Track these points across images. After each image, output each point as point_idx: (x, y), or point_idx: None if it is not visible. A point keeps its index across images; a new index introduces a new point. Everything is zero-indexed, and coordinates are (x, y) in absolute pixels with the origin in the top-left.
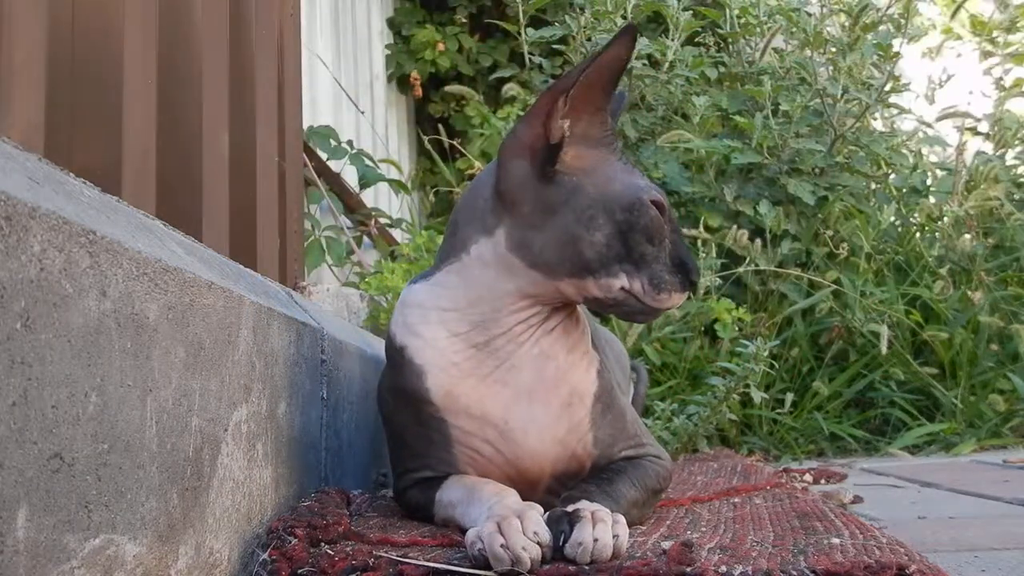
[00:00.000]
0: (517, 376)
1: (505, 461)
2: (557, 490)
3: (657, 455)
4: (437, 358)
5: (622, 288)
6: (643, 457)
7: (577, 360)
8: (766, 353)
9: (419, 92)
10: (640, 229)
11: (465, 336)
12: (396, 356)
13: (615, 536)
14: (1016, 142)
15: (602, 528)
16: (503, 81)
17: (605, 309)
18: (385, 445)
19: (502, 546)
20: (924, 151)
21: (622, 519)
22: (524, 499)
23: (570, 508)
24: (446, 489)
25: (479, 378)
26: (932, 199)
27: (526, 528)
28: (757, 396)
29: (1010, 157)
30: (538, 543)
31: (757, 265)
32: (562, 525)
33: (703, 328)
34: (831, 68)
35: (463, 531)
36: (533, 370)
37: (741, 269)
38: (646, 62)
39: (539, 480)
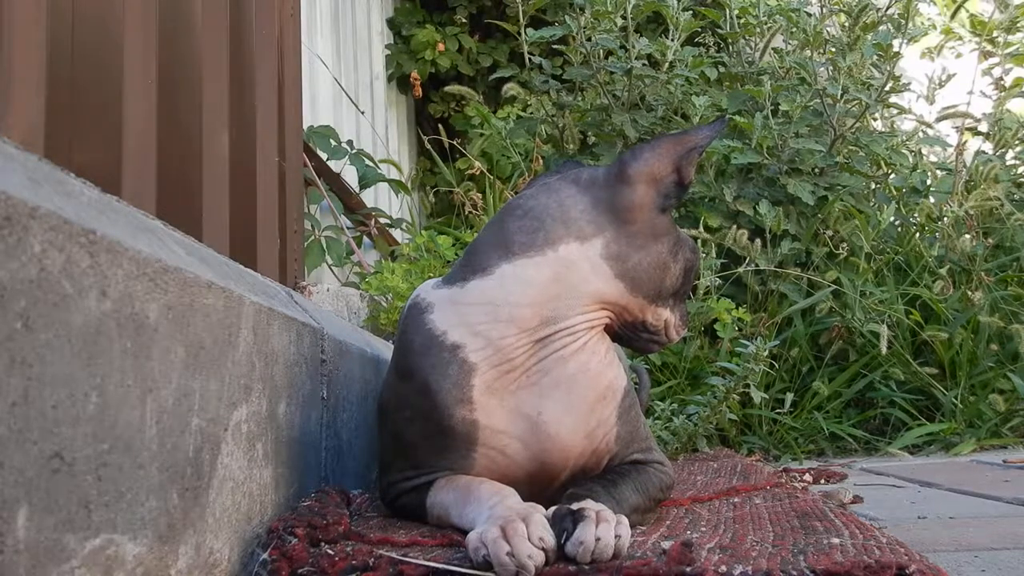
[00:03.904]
0: (562, 368)
1: (530, 456)
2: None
3: (661, 462)
4: (494, 357)
5: (665, 320)
6: (650, 463)
7: (612, 358)
8: (766, 353)
9: (419, 92)
10: (694, 270)
11: (532, 331)
12: (440, 355)
13: (617, 536)
14: (1016, 142)
15: (605, 528)
16: (503, 81)
17: (632, 334)
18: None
19: (508, 554)
20: (924, 151)
21: (625, 520)
22: (536, 498)
23: (575, 506)
24: (437, 492)
25: (524, 370)
26: (932, 199)
27: (531, 533)
28: (757, 396)
29: (1010, 157)
30: (543, 548)
31: (757, 265)
32: (565, 523)
33: (703, 328)
34: (831, 68)
35: (462, 532)
36: (577, 363)
37: (741, 269)
38: (646, 62)
39: (558, 476)
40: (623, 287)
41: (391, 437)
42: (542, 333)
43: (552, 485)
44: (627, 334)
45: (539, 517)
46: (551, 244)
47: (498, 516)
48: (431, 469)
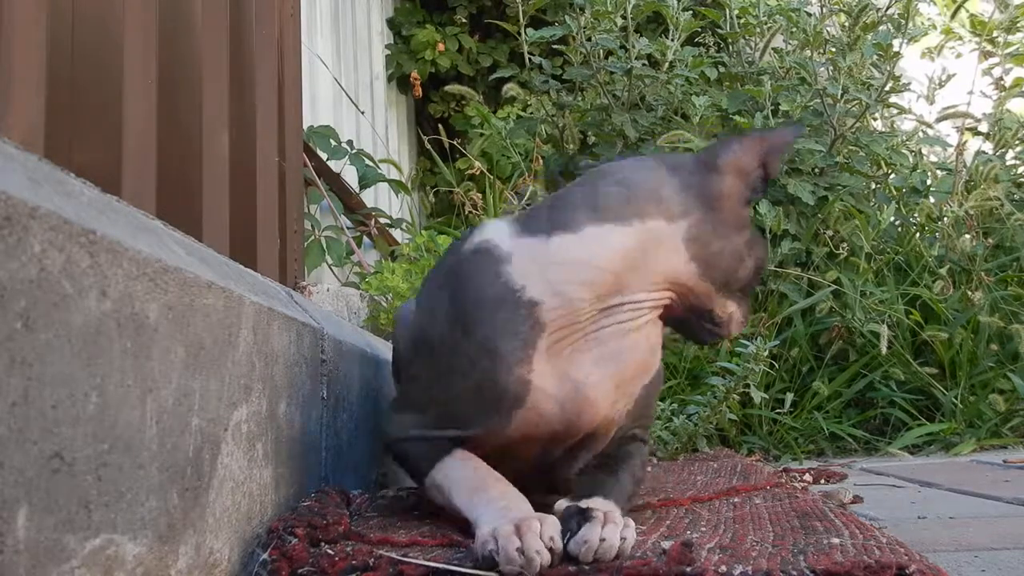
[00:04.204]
0: (619, 340)
1: (562, 420)
2: (575, 453)
3: (647, 440)
4: (564, 318)
5: (730, 312)
6: (643, 442)
7: (659, 343)
8: (766, 353)
9: (419, 92)
10: (763, 268)
11: (603, 299)
12: (515, 312)
13: (623, 539)
14: (1016, 142)
15: (611, 529)
16: (503, 81)
17: (695, 320)
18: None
19: (518, 549)
20: (924, 151)
21: (631, 523)
22: (542, 458)
23: (584, 504)
24: (450, 466)
25: (583, 335)
26: (932, 199)
27: (544, 533)
28: (757, 396)
29: (1010, 157)
30: (550, 549)
31: None
32: (571, 523)
33: None
34: (831, 68)
35: (458, 518)
36: (633, 340)
37: None
38: (646, 62)
39: (571, 440)
40: (697, 271)
41: (424, 385)
42: (610, 302)
43: (559, 448)
44: (691, 319)
45: (553, 520)
46: (640, 216)
47: (513, 516)
48: (459, 426)
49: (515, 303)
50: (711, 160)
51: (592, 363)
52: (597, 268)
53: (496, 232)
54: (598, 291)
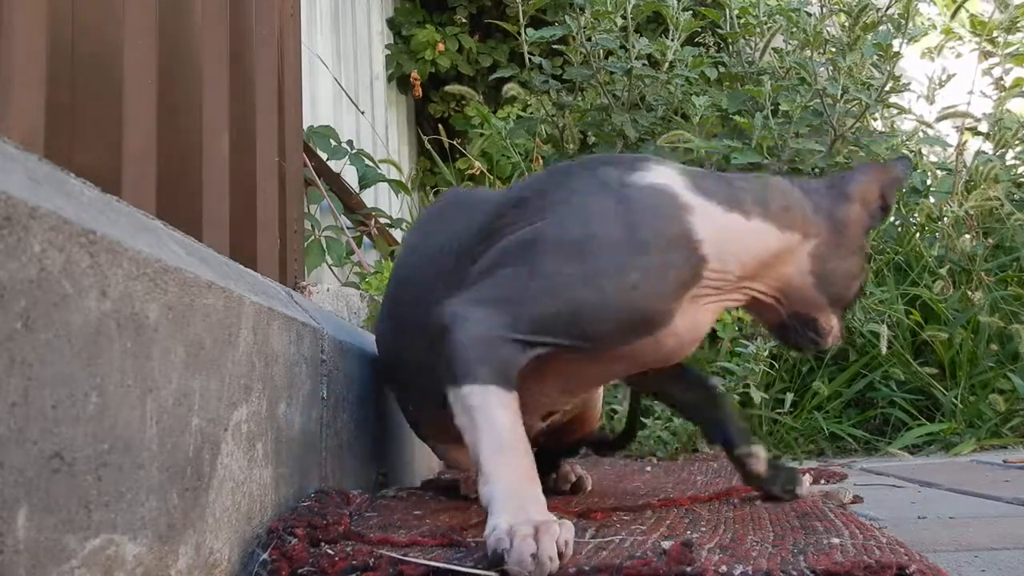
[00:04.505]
0: (712, 309)
1: (669, 354)
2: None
3: None
4: (716, 281)
5: (833, 325)
6: None
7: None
8: (766, 353)
9: (419, 92)
10: (863, 289)
11: (741, 279)
12: (689, 257)
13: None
14: (1016, 142)
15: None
16: (503, 81)
17: (799, 328)
18: (386, 443)
19: (532, 555)
20: (924, 151)
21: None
22: (612, 375)
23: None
24: (493, 399)
25: (716, 297)
26: (932, 199)
27: (561, 537)
28: (757, 396)
29: (1010, 157)
30: (561, 555)
31: None
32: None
33: None
34: (831, 68)
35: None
36: (714, 314)
37: None
38: (646, 62)
39: (655, 368)
40: (814, 284)
41: (540, 289)
42: (742, 284)
43: (633, 371)
44: (795, 326)
45: (570, 525)
46: (791, 227)
47: (533, 519)
48: (571, 337)
49: (690, 250)
50: (842, 188)
51: (707, 320)
52: (754, 255)
53: (671, 179)
54: (745, 272)
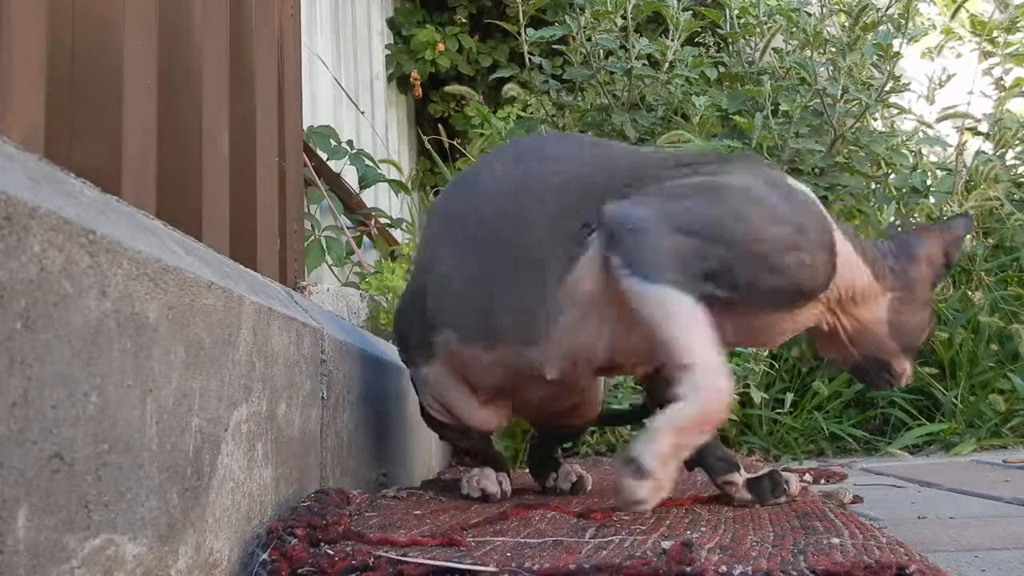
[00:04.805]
0: (803, 320)
1: (755, 334)
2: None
3: None
4: (828, 286)
5: (905, 367)
6: None
7: None
8: (766, 353)
9: (419, 92)
10: (931, 336)
11: (837, 300)
12: (832, 254)
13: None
14: (1016, 142)
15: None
16: (503, 81)
17: (874, 370)
18: (386, 443)
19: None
20: (924, 151)
21: None
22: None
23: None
24: (681, 298)
25: (811, 309)
26: (932, 199)
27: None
28: (757, 396)
29: (1010, 157)
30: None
31: None
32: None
33: None
34: (831, 68)
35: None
36: (802, 325)
37: None
38: (646, 62)
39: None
40: (888, 332)
41: (741, 223)
42: (834, 309)
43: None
44: (870, 368)
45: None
46: (876, 276)
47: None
48: (731, 287)
49: (832, 256)
50: (911, 251)
51: (796, 318)
52: (854, 287)
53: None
54: (842, 299)
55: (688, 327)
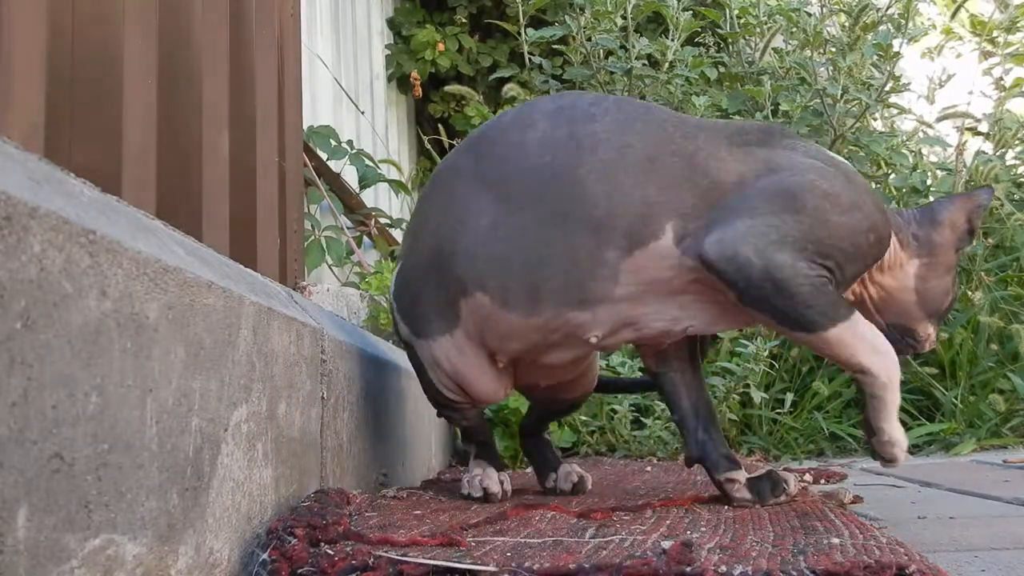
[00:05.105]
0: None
1: None
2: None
3: None
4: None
5: (929, 333)
6: None
7: None
8: (766, 353)
9: (419, 92)
10: (956, 301)
11: (874, 271)
12: (882, 239)
13: None
14: (1016, 142)
15: None
16: (503, 81)
17: (899, 336)
18: (386, 443)
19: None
20: (924, 151)
21: None
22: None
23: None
24: (862, 322)
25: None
26: (932, 199)
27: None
28: (757, 396)
29: (1010, 157)
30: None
31: None
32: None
33: None
34: (831, 68)
35: (455, 528)
36: None
37: None
38: (646, 62)
39: None
40: (915, 300)
41: (841, 229)
42: (865, 279)
43: None
44: (894, 334)
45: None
46: (901, 245)
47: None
48: (842, 275)
49: (886, 236)
50: (933, 216)
51: None
52: (885, 257)
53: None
54: (880, 263)
55: (864, 345)
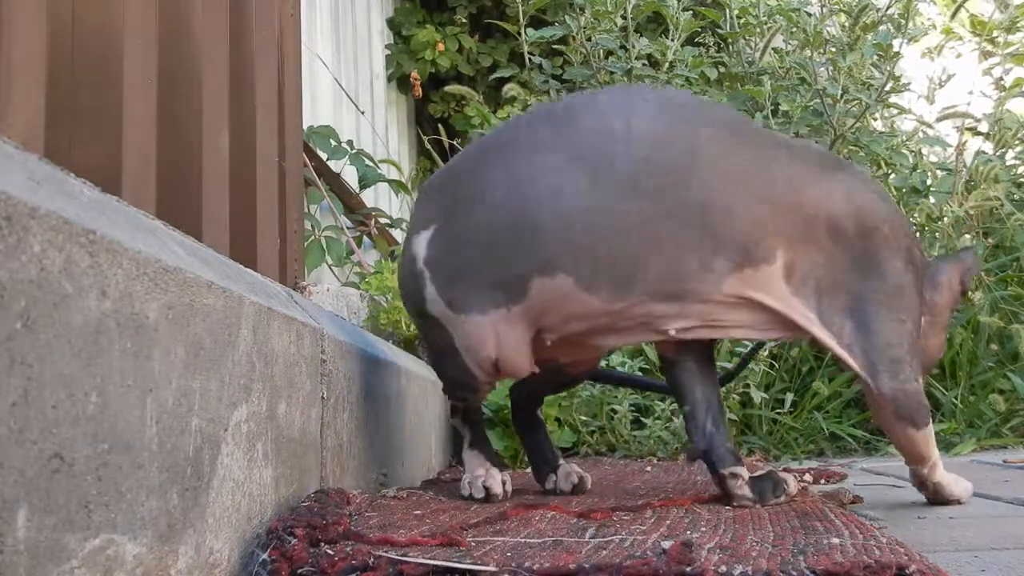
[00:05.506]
0: None
1: None
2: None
3: None
4: None
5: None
6: None
7: None
8: (766, 353)
9: (419, 92)
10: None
11: None
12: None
13: None
14: (1016, 142)
15: None
16: (503, 81)
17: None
18: (386, 443)
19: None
20: (924, 151)
21: None
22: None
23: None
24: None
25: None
26: (932, 199)
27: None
28: (757, 396)
29: (1010, 157)
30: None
31: None
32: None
33: None
34: (831, 68)
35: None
36: None
37: None
38: (646, 62)
39: None
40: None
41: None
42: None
43: None
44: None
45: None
46: (927, 284)
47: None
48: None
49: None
50: (934, 278)
51: None
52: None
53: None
54: None
55: (933, 443)
